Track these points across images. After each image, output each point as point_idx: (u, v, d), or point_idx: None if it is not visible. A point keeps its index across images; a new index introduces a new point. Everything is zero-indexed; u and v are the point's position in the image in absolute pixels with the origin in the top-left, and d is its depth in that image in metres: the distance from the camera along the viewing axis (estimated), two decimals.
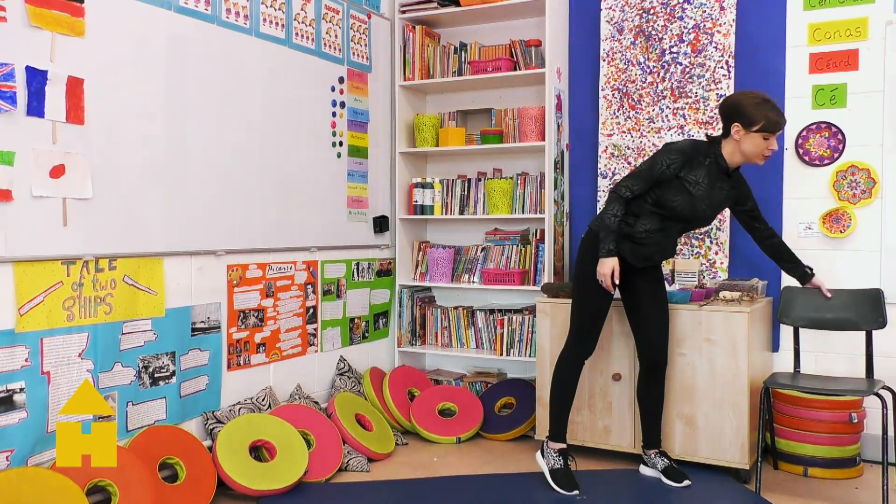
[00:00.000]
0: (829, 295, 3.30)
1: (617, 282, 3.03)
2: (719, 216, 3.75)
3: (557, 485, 3.12)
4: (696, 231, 3.79)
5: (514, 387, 4.11)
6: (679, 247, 3.85)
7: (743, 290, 3.46)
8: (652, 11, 3.92)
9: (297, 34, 3.62)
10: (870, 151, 3.52)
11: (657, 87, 3.91)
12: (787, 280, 3.66)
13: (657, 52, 3.91)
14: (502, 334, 4.10)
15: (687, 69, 3.84)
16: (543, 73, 3.93)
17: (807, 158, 3.64)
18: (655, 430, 3.28)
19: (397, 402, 3.94)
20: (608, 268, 3.00)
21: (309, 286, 3.75)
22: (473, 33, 4.41)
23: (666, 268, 3.78)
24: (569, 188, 4.16)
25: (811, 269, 3.32)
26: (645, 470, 3.33)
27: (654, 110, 3.92)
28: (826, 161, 3.60)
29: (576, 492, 3.08)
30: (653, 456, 3.28)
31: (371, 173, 4.18)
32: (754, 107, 2.94)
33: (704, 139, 3.15)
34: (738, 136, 2.99)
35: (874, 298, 3.27)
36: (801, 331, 3.41)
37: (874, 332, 3.29)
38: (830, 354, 3.61)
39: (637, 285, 3.23)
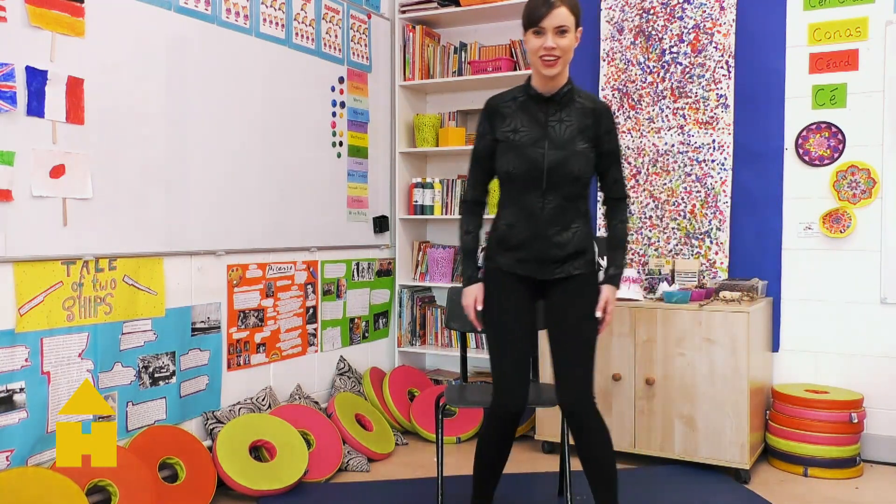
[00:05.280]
0: (600, 315, 2.42)
1: (480, 307, 2.48)
2: (718, 216, 3.75)
3: None
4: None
5: None
6: (679, 247, 3.85)
7: (743, 290, 3.46)
8: (652, 11, 3.92)
9: (297, 34, 3.62)
10: (870, 151, 3.52)
11: (657, 87, 3.91)
12: (786, 281, 3.67)
13: (657, 52, 3.91)
14: None
15: (687, 69, 3.84)
16: None
17: (807, 158, 3.64)
18: (603, 499, 2.40)
19: (397, 402, 3.94)
20: (469, 298, 2.49)
21: (309, 286, 3.75)
22: (473, 33, 4.41)
23: (666, 268, 3.77)
24: None
25: (613, 275, 2.47)
26: None
27: (654, 110, 3.92)
28: (826, 161, 3.60)
29: None
30: None
31: (371, 173, 4.18)
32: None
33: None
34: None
35: None
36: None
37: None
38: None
39: (551, 301, 2.48)
